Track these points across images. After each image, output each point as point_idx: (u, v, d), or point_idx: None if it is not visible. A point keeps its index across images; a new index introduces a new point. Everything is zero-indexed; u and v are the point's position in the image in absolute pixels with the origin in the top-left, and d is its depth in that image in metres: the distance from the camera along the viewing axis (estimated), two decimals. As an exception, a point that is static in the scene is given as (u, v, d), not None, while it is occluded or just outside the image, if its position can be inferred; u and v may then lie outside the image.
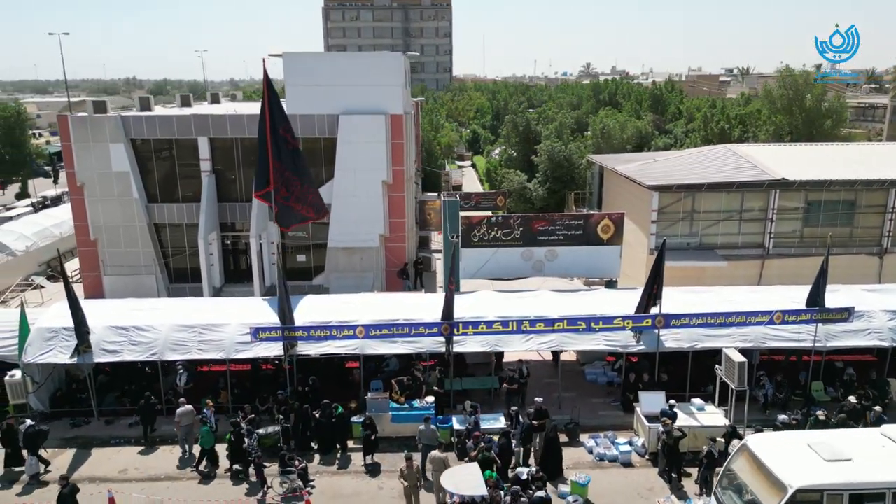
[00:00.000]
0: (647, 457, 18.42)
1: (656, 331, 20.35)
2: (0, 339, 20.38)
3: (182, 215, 29.94)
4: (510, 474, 16.63)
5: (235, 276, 31.03)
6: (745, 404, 18.75)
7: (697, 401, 19.37)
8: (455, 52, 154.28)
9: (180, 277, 30.54)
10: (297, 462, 17.19)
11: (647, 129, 53.28)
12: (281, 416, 18.85)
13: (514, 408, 18.74)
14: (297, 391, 19.93)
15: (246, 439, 17.42)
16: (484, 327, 20.30)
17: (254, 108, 29.30)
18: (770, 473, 13.01)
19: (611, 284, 25.60)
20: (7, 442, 17.91)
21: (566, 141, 48.94)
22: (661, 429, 17.48)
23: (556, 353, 22.41)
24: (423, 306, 21.50)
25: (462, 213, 25.32)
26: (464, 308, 20.97)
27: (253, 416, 18.98)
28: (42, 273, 35.60)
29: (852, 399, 18.87)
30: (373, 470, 17.95)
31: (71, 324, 19.48)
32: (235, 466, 17.65)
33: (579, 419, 19.67)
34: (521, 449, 17.90)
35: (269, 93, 21.86)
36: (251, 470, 17.40)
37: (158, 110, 34.17)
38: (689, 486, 17.13)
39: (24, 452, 17.80)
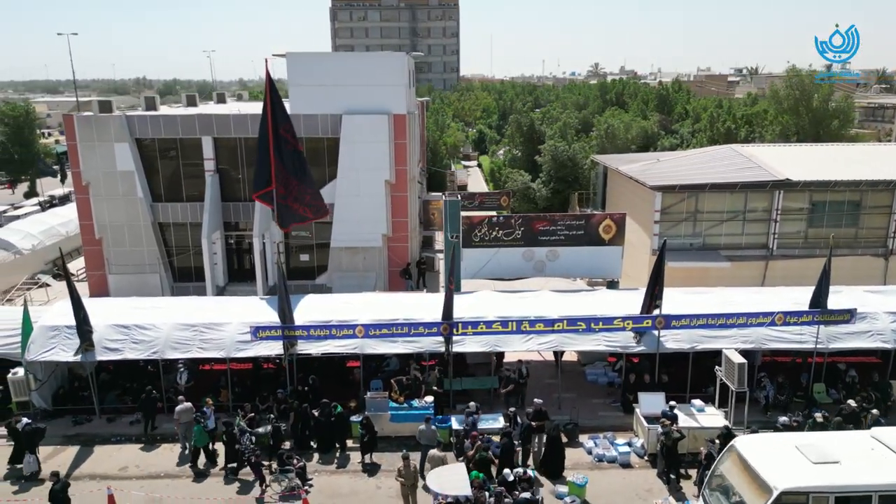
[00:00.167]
0: (646, 458, 18.37)
1: (656, 332, 20.29)
2: (3, 337, 20.59)
3: (186, 214, 30.10)
4: (497, 475, 16.60)
5: (239, 276, 31.16)
6: (745, 406, 18.67)
7: (697, 402, 19.31)
8: (463, 52, 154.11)
9: (184, 276, 30.71)
10: (295, 461, 17.27)
11: (653, 129, 53.10)
12: (272, 416, 18.95)
13: (511, 409, 18.72)
14: (296, 390, 20.00)
15: (241, 438, 17.48)
16: (483, 327, 20.29)
17: (258, 107, 29.40)
18: (756, 475, 12.97)
19: (612, 285, 25.56)
20: (15, 439, 18.06)
21: (570, 141, 48.85)
22: (659, 430, 17.43)
23: (557, 354, 22.39)
24: (424, 306, 21.49)
25: (465, 213, 25.35)
26: (464, 308, 20.98)
27: (253, 414, 19.08)
28: (48, 271, 35.86)
29: (852, 402, 18.73)
30: (371, 469, 17.99)
31: (73, 322, 19.63)
32: (231, 465, 17.74)
33: (579, 420, 19.64)
34: (521, 450, 17.89)
35: (271, 93, 21.94)
36: (247, 468, 17.46)
37: (164, 110, 34.36)
38: (688, 487, 17.06)
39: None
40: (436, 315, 20.20)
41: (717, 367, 19.27)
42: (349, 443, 18.93)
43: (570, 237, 24.81)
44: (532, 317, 20.61)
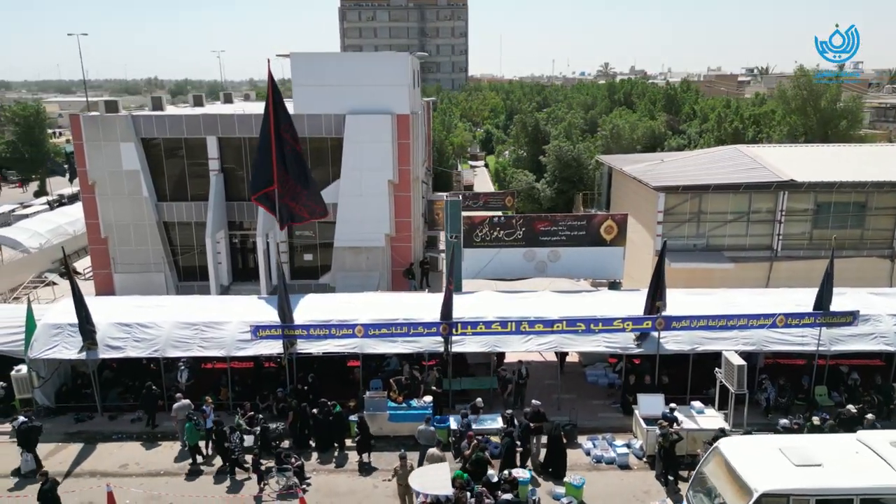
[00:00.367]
0: (644, 459, 18.32)
1: (656, 333, 20.21)
2: (7, 335, 20.81)
3: (191, 214, 30.27)
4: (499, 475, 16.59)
5: (243, 275, 31.30)
6: (744, 408, 18.57)
7: (697, 404, 19.24)
8: (472, 51, 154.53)
9: (189, 275, 30.91)
10: (293, 459, 17.35)
11: (661, 129, 52.84)
12: (261, 416, 19.05)
13: (508, 410, 18.65)
14: (296, 389, 20.09)
15: (231, 436, 17.60)
16: (483, 327, 20.28)
17: (263, 107, 29.56)
18: (738, 477, 12.92)
19: (615, 286, 25.48)
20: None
21: (575, 141, 48.71)
22: (657, 431, 17.37)
23: (560, 355, 22.30)
24: (425, 306, 21.49)
25: (468, 213, 25.33)
26: (464, 308, 20.99)
27: (252, 413, 19.19)
28: (55, 270, 36.18)
29: (852, 408, 18.55)
30: (369, 468, 18.04)
31: (76, 320, 19.79)
32: (223, 463, 17.87)
33: (577, 421, 19.60)
34: (520, 451, 17.87)
35: (274, 93, 22.06)
36: (242, 467, 17.59)
37: (170, 110, 34.60)
38: (686, 489, 16.97)
39: (19, 449, 17.95)
40: (436, 315, 20.21)
41: (716, 368, 19.18)
42: (348, 442, 18.98)
43: (572, 238, 24.76)
44: (532, 317, 20.57)
